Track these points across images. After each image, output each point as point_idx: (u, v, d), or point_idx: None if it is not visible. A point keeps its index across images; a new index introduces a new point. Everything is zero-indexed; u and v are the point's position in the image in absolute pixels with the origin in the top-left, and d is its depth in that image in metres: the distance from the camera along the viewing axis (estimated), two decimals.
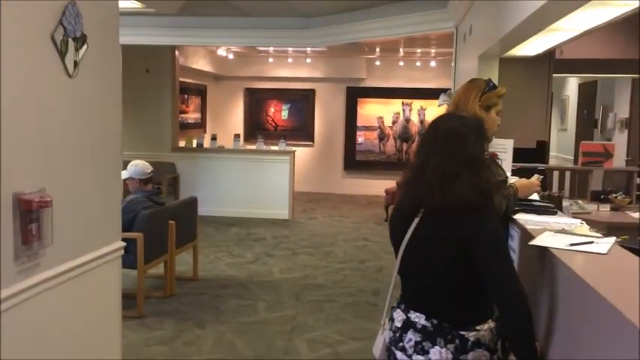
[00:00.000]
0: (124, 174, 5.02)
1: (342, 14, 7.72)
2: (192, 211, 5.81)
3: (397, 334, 2.00)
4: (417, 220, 1.94)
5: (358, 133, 12.21)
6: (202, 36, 8.62)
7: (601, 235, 2.18)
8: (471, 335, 1.88)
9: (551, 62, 4.59)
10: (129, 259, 4.73)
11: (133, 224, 4.79)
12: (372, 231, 8.43)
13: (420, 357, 1.92)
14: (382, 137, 12.12)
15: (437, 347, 1.90)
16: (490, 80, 2.58)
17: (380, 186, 10.13)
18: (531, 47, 3.97)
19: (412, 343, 1.94)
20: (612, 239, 2.08)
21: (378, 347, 2.14)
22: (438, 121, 2.05)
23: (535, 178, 2.75)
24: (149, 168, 5.13)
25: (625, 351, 1.29)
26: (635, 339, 1.20)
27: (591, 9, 2.49)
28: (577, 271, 1.64)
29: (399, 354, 1.99)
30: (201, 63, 10.93)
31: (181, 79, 9.99)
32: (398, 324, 2.01)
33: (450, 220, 1.87)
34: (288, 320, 4.79)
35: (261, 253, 7.06)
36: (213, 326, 4.60)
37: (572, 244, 1.97)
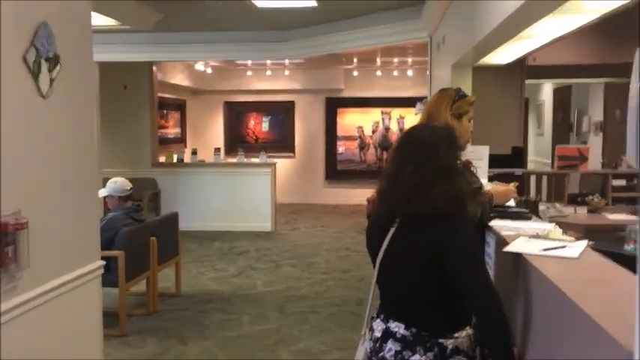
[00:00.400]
0: (103, 192, 5.00)
1: (318, 26, 7.78)
2: (173, 227, 5.78)
3: (377, 344, 2.01)
4: (392, 229, 1.96)
5: (339, 142, 12.26)
6: (179, 51, 8.62)
7: (573, 239, 2.22)
8: (449, 343, 1.90)
9: (524, 69, 4.68)
10: (110, 278, 4.71)
11: (113, 242, 4.76)
12: (355, 240, 8.45)
13: None
14: (362, 146, 12.19)
15: (416, 356, 1.91)
16: (460, 89, 2.63)
17: (362, 195, 10.03)
18: (503, 55, 4.04)
19: (392, 352, 1.95)
20: (584, 243, 2.13)
21: (359, 357, 2.16)
22: (411, 132, 2.10)
23: (512, 185, 2.79)
24: (128, 185, 5.11)
25: (596, 355, 1.32)
26: (606, 344, 1.23)
27: (559, 17, 2.56)
28: (549, 276, 1.68)
29: None
30: (179, 78, 10.93)
31: (160, 94, 9.97)
32: (378, 334, 2.02)
33: (424, 228, 1.90)
34: (272, 333, 4.78)
35: (244, 267, 7.04)
36: (197, 342, 4.57)
37: (544, 249, 2.01)
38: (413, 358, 1.92)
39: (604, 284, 1.66)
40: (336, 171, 12.26)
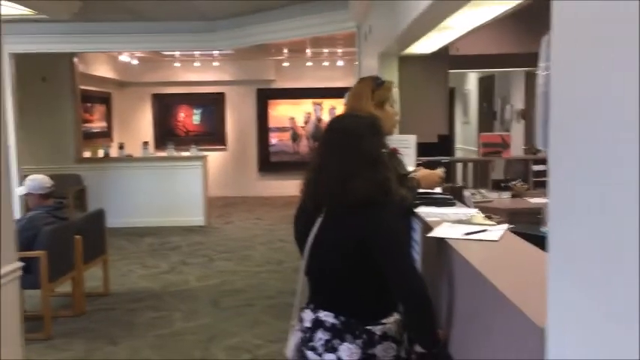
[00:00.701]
0: (22, 190, 4.76)
1: (247, 16, 7.68)
2: (99, 224, 5.58)
3: (307, 334, 2.01)
4: (319, 219, 1.96)
5: (271, 134, 12.20)
6: (102, 42, 8.29)
7: (495, 223, 2.29)
8: (377, 329, 1.92)
9: (447, 59, 4.79)
10: (32, 279, 4.51)
11: (34, 242, 4.55)
12: (289, 232, 8.33)
13: (330, 355, 1.94)
14: (295, 138, 12.18)
15: (346, 344, 1.92)
16: (377, 77, 2.64)
17: (295, 186, 9.96)
18: (426, 45, 4.12)
19: (322, 341, 1.96)
20: (504, 226, 2.20)
21: (290, 348, 2.15)
22: (334, 121, 2.10)
23: (438, 170, 2.82)
24: (49, 182, 4.88)
25: (513, 335, 1.36)
26: (520, 321, 1.27)
27: (475, 8, 2.63)
28: (469, 259, 1.72)
29: (309, 354, 1.99)
30: (103, 70, 10.53)
31: (83, 86, 9.58)
32: (307, 324, 2.02)
33: (350, 217, 1.91)
34: (205, 329, 4.71)
35: (176, 262, 6.90)
36: (127, 342, 4.44)
37: (466, 234, 2.07)
38: (342, 346, 1.93)
39: (520, 265, 1.72)
40: (269, 163, 12.21)
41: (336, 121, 2.10)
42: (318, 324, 1.98)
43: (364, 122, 2.03)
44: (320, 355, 1.96)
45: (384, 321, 1.95)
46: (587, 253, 0.99)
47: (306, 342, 2.02)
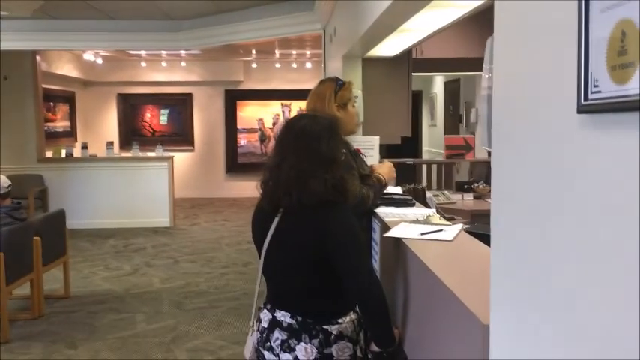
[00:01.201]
0: None
1: (213, 16, 7.64)
2: (59, 225, 5.47)
3: (264, 334, 2.01)
4: (276, 219, 1.96)
5: (239, 135, 12.15)
6: (65, 40, 8.12)
7: (450, 224, 2.33)
8: (333, 329, 1.93)
9: (410, 62, 4.84)
10: None
11: None
12: None
13: (286, 355, 1.94)
14: (263, 139, 12.15)
15: (302, 344, 1.93)
16: (337, 78, 2.66)
17: None
18: (388, 48, 4.15)
19: (279, 341, 1.96)
20: (459, 226, 2.24)
21: (248, 349, 2.15)
22: (292, 122, 2.09)
23: (386, 161, 2.84)
24: (6, 182, 4.77)
25: (460, 331, 1.39)
26: (466, 317, 1.29)
27: (433, 9, 2.66)
28: (422, 258, 1.75)
29: (266, 354, 1.99)
30: (66, 68, 10.34)
31: (45, 85, 9.39)
32: (264, 324, 2.02)
33: (307, 218, 1.92)
34: (168, 330, 4.66)
35: (140, 264, 6.81)
36: (87, 344, 4.37)
37: (422, 233, 2.10)
38: (299, 346, 1.93)
39: (471, 264, 1.75)
40: (237, 164, 12.15)
41: (294, 121, 2.08)
42: (274, 324, 1.98)
43: (322, 124, 2.02)
44: (277, 355, 1.96)
45: (340, 320, 1.95)
46: (524, 249, 1.02)
47: (263, 342, 2.01)
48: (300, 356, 1.92)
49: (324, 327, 1.93)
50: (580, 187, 0.81)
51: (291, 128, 2.04)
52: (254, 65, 11.69)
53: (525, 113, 0.99)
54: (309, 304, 1.97)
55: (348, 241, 1.91)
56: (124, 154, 9.93)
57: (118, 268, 6.66)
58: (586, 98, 0.76)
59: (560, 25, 0.84)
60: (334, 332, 1.93)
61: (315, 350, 1.92)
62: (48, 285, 5.48)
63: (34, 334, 4.60)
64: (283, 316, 1.96)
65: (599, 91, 0.74)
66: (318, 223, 1.90)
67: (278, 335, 1.96)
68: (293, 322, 1.94)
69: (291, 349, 1.94)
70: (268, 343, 1.99)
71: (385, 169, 2.71)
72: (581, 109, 0.77)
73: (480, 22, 4.69)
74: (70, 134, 11.06)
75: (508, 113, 1.06)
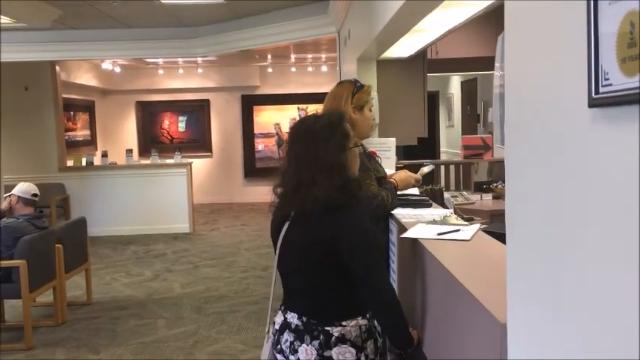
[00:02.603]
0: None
1: (228, 22, 7.69)
2: (81, 233, 5.54)
3: (276, 337, 2.01)
4: (287, 223, 1.97)
5: (256, 140, 12.20)
6: (83, 50, 8.25)
7: (467, 223, 2.31)
8: (335, 331, 1.89)
9: (425, 62, 4.82)
10: (13, 289, 4.48)
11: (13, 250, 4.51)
12: None
13: (293, 357, 1.93)
14: (280, 143, 12.17)
15: (304, 345, 1.91)
16: (356, 80, 2.65)
17: None
18: (403, 48, 4.14)
19: (287, 343, 1.95)
20: (477, 226, 2.22)
21: (265, 354, 2.15)
22: (294, 127, 2.07)
23: (416, 174, 2.83)
24: (33, 190, 4.85)
25: (477, 331, 1.37)
26: (484, 317, 1.28)
27: (445, 9, 2.65)
28: (439, 258, 1.73)
29: (279, 356, 1.99)
30: (85, 78, 10.48)
31: (65, 95, 9.53)
32: (277, 326, 2.02)
33: (315, 222, 1.90)
34: (189, 335, 4.69)
35: (160, 270, 6.87)
36: (109, 350, 4.41)
37: (439, 234, 2.08)
38: (301, 347, 1.91)
39: (488, 263, 1.74)
40: (255, 169, 12.19)
41: (296, 126, 2.06)
42: (285, 326, 1.98)
43: (321, 123, 1.97)
44: (286, 357, 1.95)
45: (344, 323, 1.90)
46: (540, 246, 1.01)
47: (275, 345, 2.01)
48: (301, 358, 1.90)
49: (326, 328, 1.90)
50: (593, 182, 0.80)
51: (293, 135, 2.03)
52: (270, 70, 11.74)
53: (537, 110, 0.98)
54: (314, 305, 1.95)
55: (360, 242, 1.89)
56: (143, 162, 10.03)
57: (139, 274, 6.72)
58: (597, 92, 0.76)
59: (570, 19, 0.83)
60: (335, 334, 1.89)
61: (314, 352, 1.89)
62: (70, 292, 5.55)
63: (57, 340, 4.65)
64: (292, 318, 1.96)
65: (610, 85, 0.73)
66: (328, 227, 1.88)
67: (287, 337, 1.96)
68: (299, 323, 1.94)
69: (295, 351, 1.93)
70: (279, 346, 1.99)
71: (402, 175, 2.71)
72: (593, 103, 0.77)
73: (495, 20, 4.66)
74: (90, 142, 11.20)
75: (520, 110, 1.05)
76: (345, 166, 1.94)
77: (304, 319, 1.93)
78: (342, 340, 1.89)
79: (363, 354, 1.90)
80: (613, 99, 0.72)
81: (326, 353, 1.88)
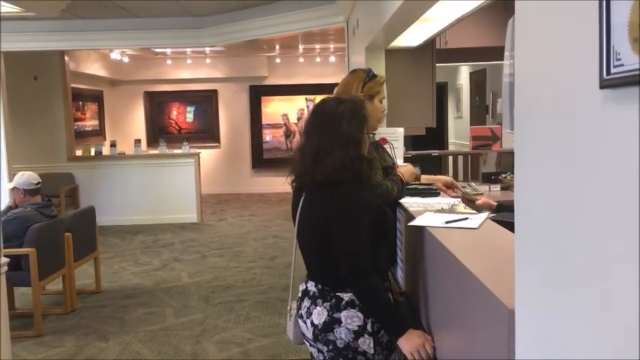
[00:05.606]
0: (9, 185, 4.77)
1: (236, 12, 7.67)
2: (90, 222, 5.58)
3: (299, 304, 2.13)
4: (303, 197, 2.10)
5: (264, 131, 12.20)
6: (92, 39, 8.26)
7: (475, 212, 2.30)
8: (345, 296, 2.00)
9: (434, 52, 4.79)
10: (23, 277, 4.52)
11: (23, 239, 4.55)
12: (282, 227, 8.46)
13: (308, 321, 2.05)
14: (288, 134, 12.18)
15: (318, 308, 2.03)
16: (370, 70, 2.64)
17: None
18: (411, 38, 4.11)
19: (306, 309, 2.07)
20: (485, 215, 2.21)
21: (290, 329, 2.24)
22: (318, 104, 2.17)
23: (413, 167, 2.86)
24: (36, 179, 4.86)
25: (485, 317, 1.37)
26: (492, 303, 1.28)
27: None
28: (446, 246, 1.73)
29: (300, 322, 2.12)
30: (94, 68, 10.51)
31: (74, 85, 9.56)
32: (299, 294, 2.14)
33: (320, 195, 2.03)
34: (196, 324, 4.71)
35: (169, 259, 6.90)
36: (118, 338, 4.45)
37: (447, 222, 2.08)
38: (315, 310, 2.03)
39: (496, 251, 1.73)
40: (263, 159, 12.21)
41: (320, 104, 2.16)
42: (304, 293, 2.11)
43: (345, 105, 2.08)
44: (305, 322, 2.08)
45: None
46: (549, 231, 1.00)
47: (298, 311, 2.13)
48: (314, 320, 2.02)
49: (338, 294, 2.01)
50: (604, 165, 0.79)
51: (316, 110, 2.14)
52: (278, 60, 11.72)
53: (547, 93, 0.97)
54: (327, 273, 2.05)
55: (346, 222, 1.97)
56: (152, 152, 10.07)
57: (148, 263, 6.76)
58: (608, 73, 0.74)
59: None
60: (346, 299, 2.00)
61: (325, 313, 2.00)
62: (80, 280, 5.59)
63: (67, 327, 4.70)
64: (311, 286, 2.09)
65: (622, 65, 0.72)
66: (326, 201, 2.00)
67: (306, 303, 2.09)
68: (315, 290, 2.06)
69: (310, 314, 2.05)
70: (300, 312, 2.11)
71: (409, 168, 2.74)
72: (604, 84, 0.76)
73: (504, 9, 4.61)
74: (99, 133, 11.24)
75: (530, 94, 1.04)
76: (361, 144, 2.04)
77: (319, 286, 2.05)
78: (351, 304, 1.99)
79: (370, 320, 1.99)
80: (625, 79, 0.71)
81: (335, 315, 1.99)
